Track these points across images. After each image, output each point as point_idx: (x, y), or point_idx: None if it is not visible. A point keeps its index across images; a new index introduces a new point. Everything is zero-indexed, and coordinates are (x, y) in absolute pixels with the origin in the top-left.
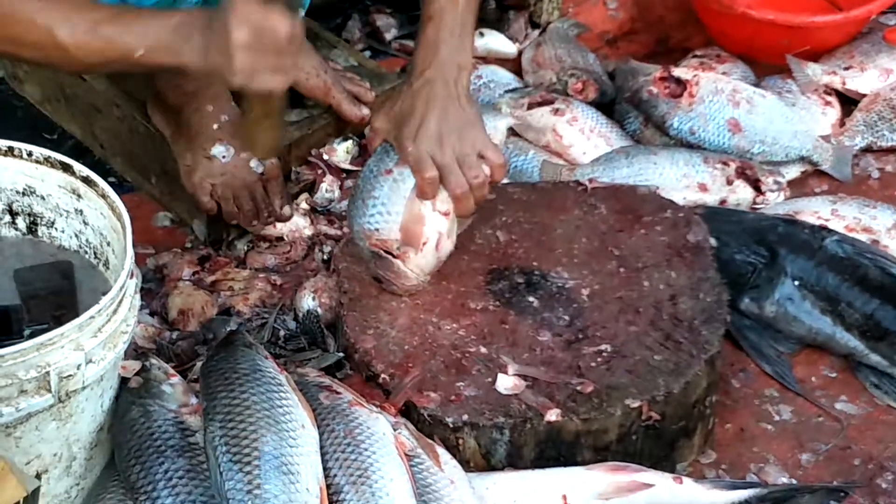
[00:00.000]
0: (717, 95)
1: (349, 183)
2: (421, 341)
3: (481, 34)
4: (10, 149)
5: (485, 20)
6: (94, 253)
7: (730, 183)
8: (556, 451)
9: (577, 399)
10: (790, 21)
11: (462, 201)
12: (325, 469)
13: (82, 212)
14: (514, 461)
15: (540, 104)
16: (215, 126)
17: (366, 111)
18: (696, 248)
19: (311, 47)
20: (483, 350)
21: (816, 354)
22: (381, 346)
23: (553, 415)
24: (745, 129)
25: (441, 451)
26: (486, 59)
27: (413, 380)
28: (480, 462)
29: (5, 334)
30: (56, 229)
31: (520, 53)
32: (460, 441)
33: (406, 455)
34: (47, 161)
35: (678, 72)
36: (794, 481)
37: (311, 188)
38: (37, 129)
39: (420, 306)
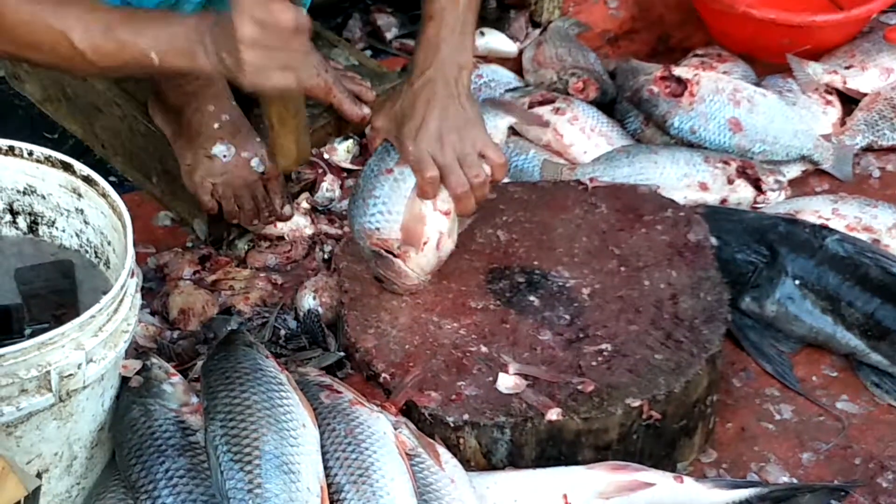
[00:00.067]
0: (718, 95)
1: (350, 182)
2: (422, 340)
3: (482, 33)
4: (11, 148)
5: (485, 19)
6: (95, 252)
7: (730, 182)
8: (556, 450)
9: (577, 398)
10: (791, 20)
11: (463, 200)
12: (325, 468)
13: (83, 211)
14: (515, 460)
15: (541, 103)
16: (216, 125)
17: (366, 110)
18: (697, 247)
19: (311, 46)
20: (484, 349)
21: (817, 354)
22: (382, 346)
23: (554, 414)
24: (746, 128)
25: (442, 450)
26: (486, 58)
27: (414, 379)
28: (481, 461)
29: (6, 333)
30: (57, 228)
31: (520, 52)
32: (461, 440)
33: (407, 454)
34: (48, 160)
35: (679, 71)
36: (794, 480)
37: (312, 187)
38: (38, 129)
39: (421, 305)
